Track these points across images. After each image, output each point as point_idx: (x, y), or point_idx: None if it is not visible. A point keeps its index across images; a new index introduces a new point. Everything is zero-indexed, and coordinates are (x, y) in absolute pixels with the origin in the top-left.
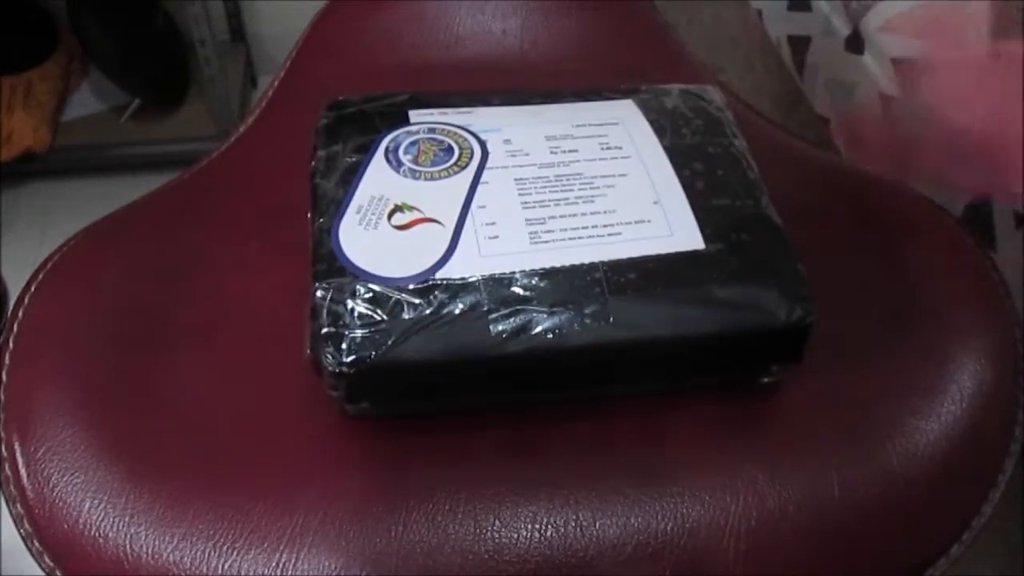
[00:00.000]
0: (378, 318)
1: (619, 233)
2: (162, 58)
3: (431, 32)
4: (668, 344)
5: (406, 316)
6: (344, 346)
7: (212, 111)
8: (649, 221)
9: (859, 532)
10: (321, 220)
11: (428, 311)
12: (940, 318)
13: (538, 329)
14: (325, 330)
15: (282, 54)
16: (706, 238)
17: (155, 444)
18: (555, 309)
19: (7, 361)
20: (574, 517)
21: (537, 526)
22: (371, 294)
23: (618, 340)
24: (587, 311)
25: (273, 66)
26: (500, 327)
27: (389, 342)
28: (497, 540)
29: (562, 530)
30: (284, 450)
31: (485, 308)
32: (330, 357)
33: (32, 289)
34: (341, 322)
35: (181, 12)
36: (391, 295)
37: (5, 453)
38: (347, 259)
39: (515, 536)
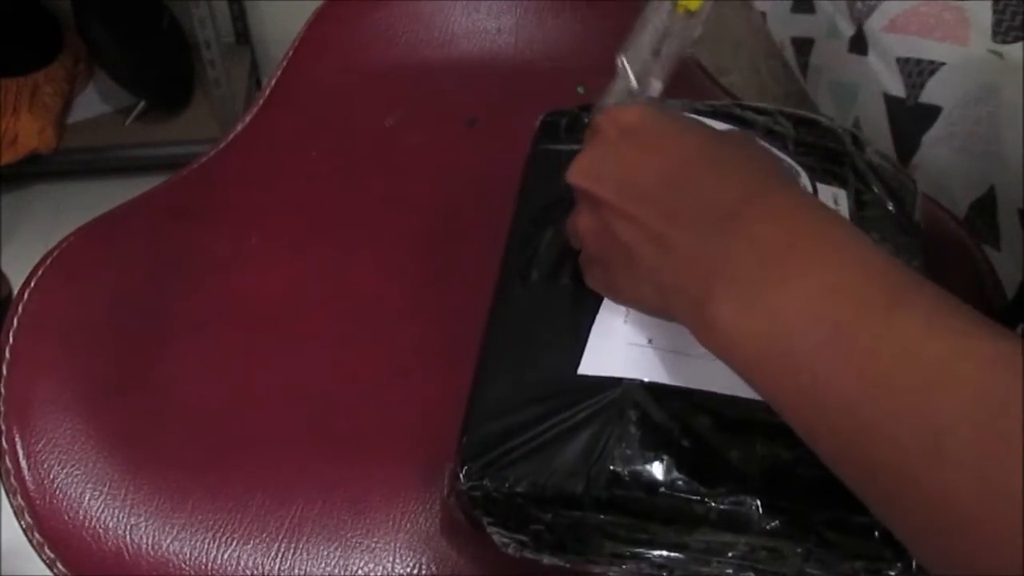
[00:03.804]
0: None
1: None
2: (167, 60)
3: (426, 31)
4: None
5: None
6: None
7: (217, 113)
8: None
9: None
10: None
11: None
12: None
13: None
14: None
15: None
16: None
17: (154, 436)
18: None
19: (7, 356)
20: None
21: None
22: None
23: None
24: None
25: None
26: None
27: None
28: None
29: None
30: (282, 441)
31: None
32: None
33: (31, 284)
34: None
35: (186, 14)
36: None
37: (6, 446)
38: None
39: None
